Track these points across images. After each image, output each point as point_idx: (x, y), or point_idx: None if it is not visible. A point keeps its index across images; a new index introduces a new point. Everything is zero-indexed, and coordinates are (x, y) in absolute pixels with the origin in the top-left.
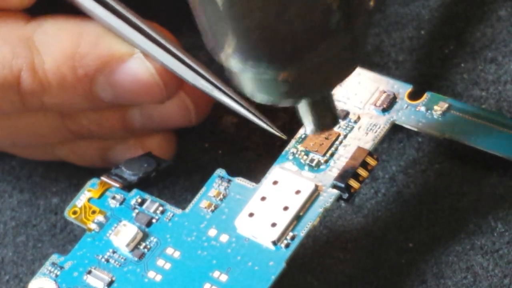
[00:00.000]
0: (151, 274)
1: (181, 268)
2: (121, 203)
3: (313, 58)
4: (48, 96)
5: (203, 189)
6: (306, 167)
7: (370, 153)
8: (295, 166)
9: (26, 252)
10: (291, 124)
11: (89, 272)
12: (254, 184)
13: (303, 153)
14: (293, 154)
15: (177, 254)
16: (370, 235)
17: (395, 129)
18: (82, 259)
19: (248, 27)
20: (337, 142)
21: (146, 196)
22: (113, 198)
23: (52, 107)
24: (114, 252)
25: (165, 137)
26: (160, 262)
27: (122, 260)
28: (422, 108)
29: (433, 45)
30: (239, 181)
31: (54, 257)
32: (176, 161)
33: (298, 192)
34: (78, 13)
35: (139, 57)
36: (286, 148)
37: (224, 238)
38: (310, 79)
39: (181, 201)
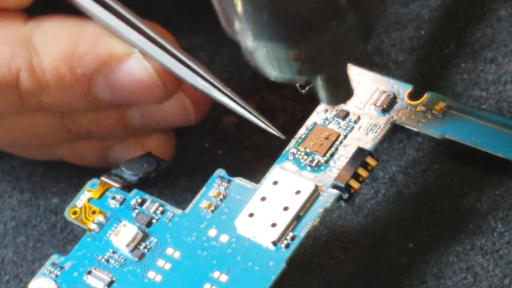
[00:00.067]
0: (151, 274)
1: (181, 268)
2: (121, 203)
3: (324, 35)
4: (47, 96)
5: (203, 189)
6: (306, 167)
7: (370, 153)
8: (295, 166)
9: (26, 252)
10: (291, 124)
11: (89, 272)
12: (254, 184)
13: (303, 153)
14: (293, 154)
15: (177, 254)
16: (370, 235)
17: (395, 129)
18: (82, 259)
19: (259, 5)
20: (337, 142)
21: (146, 196)
22: (113, 198)
23: (50, 107)
24: (114, 252)
25: (165, 136)
26: (160, 262)
27: (122, 260)
28: (422, 108)
29: (433, 45)
30: (239, 181)
31: (54, 257)
32: (176, 161)
33: (298, 192)
34: (77, 13)
35: (138, 57)
36: (286, 148)
37: (224, 238)
38: (322, 55)
39: (181, 201)
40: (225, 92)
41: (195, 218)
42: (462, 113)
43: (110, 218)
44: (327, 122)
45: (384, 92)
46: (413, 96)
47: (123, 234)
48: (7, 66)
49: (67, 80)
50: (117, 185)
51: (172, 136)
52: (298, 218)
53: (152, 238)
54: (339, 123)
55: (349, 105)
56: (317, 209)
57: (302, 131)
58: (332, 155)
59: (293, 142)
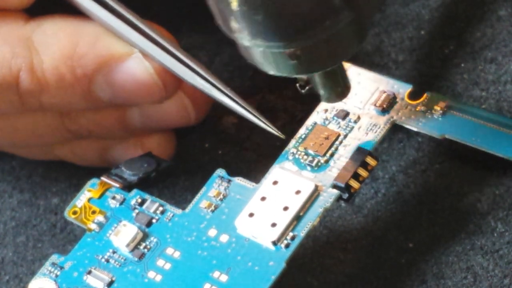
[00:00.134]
0: (151, 274)
1: (181, 268)
2: (121, 203)
3: (318, 34)
4: (47, 96)
5: (203, 189)
6: (306, 167)
7: (370, 153)
8: (295, 166)
9: (26, 252)
10: (291, 124)
11: (89, 272)
12: (254, 184)
13: (303, 153)
14: (293, 154)
15: (177, 254)
16: (370, 235)
17: (395, 129)
18: (82, 259)
19: (254, 5)
20: (337, 142)
21: (146, 196)
22: (113, 198)
23: (50, 107)
24: (114, 252)
25: (165, 136)
26: (160, 262)
27: (122, 260)
28: (422, 108)
29: (433, 45)
30: (239, 181)
31: (54, 257)
32: (176, 161)
33: (298, 192)
34: (77, 13)
35: (138, 56)
36: (286, 148)
37: (224, 238)
38: (318, 53)
39: (181, 201)
40: (225, 92)
41: (195, 218)
42: (462, 113)
43: (110, 218)
44: (327, 122)
45: (384, 92)
46: (413, 96)
47: (123, 234)
48: (8, 66)
49: (67, 80)
50: (117, 185)
51: (172, 136)
52: (298, 218)
53: (152, 238)
54: (339, 123)
55: (349, 105)
56: (317, 209)
57: (302, 131)
58: (332, 155)
59: (293, 142)
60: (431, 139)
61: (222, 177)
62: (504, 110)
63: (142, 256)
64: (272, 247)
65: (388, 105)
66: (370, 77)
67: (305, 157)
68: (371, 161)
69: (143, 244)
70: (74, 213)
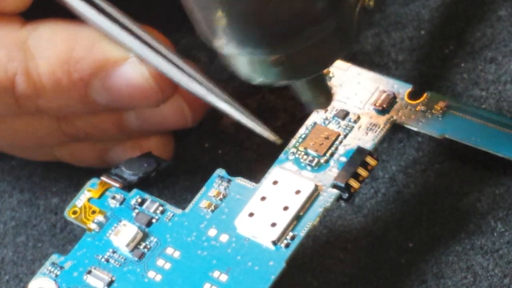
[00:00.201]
0: (151, 274)
1: (181, 268)
2: (121, 203)
3: (301, 42)
4: (43, 100)
5: (203, 189)
6: (306, 167)
7: (370, 153)
8: (295, 166)
9: (26, 252)
10: (291, 124)
11: (89, 272)
12: (254, 184)
13: (303, 153)
14: (293, 154)
15: (177, 254)
16: (370, 235)
17: (395, 129)
18: (82, 259)
19: (238, 13)
20: (337, 142)
21: (146, 196)
22: (113, 198)
23: (47, 110)
24: (114, 252)
25: (163, 138)
26: (160, 262)
27: (122, 260)
28: (422, 108)
29: (433, 45)
30: (239, 181)
31: (54, 257)
32: (176, 161)
33: (298, 192)
34: (73, 17)
35: (134, 61)
36: (286, 148)
37: (224, 238)
38: (300, 61)
39: (181, 201)
40: (221, 97)
41: (195, 218)
42: (462, 113)
43: (110, 218)
44: (327, 122)
45: (384, 92)
46: (413, 96)
47: (123, 234)
48: (3, 69)
49: (63, 84)
50: (117, 184)
51: (170, 138)
52: (298, 217)
53: (152, 238)
54: (339, 123)
55: (349, 105)
56: (317, 209)
57: (302, 131)
58: (332, 155)
59: (293, 141)
60: (431, 139)
61: (222, 177)
62: (504, 110)
63: (142, 256)
64: (272, 247)
65: (388, 105)
66: (370, 77)
67: (305, 157)
68: (371, 161)
69: (143, 244)
70: (74, 213)
